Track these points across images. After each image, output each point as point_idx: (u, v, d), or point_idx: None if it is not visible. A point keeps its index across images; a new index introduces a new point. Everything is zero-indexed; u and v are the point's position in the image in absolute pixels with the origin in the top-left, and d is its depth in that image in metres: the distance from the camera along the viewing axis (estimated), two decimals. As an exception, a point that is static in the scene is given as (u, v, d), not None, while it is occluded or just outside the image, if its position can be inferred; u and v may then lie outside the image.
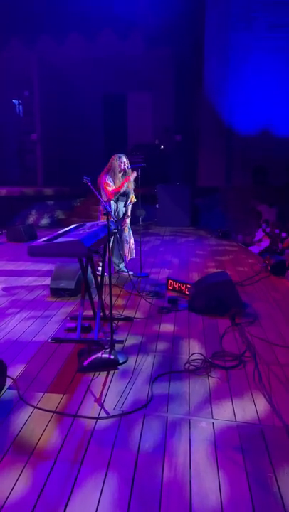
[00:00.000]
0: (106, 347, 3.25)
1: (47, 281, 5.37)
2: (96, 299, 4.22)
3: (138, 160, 11.21)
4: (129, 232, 5.65)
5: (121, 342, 3.62)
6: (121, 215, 5.49)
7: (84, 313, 4.12)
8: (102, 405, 2.71)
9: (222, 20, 10.43)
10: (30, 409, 2.67)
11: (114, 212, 5.42)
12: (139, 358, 3.36)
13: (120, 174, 5.39)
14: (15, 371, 3.14)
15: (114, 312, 4.27)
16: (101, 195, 5.31)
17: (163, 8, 11.36)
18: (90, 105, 12.96)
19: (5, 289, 5.22)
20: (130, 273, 5.37)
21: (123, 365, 3.22)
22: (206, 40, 10.55)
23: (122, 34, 11.67)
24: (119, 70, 12.30)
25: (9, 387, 2.92)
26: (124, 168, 5.38)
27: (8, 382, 2.97)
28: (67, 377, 3.06)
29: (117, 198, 5.43)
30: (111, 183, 5.34)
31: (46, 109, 12.83)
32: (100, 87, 12.87)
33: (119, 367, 3.18)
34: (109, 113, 13.68)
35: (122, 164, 5.38)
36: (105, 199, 5.30)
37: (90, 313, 4.14)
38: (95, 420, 2.55)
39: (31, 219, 11.06)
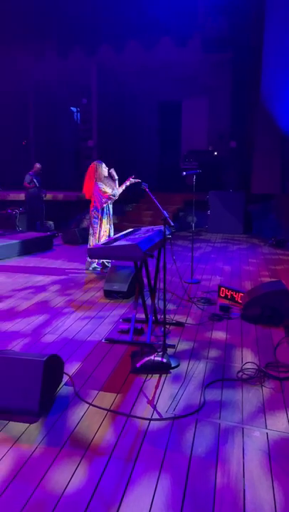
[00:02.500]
0: (158, 350, 3.29)
1: (100, 283, 5.51)
2: (148, 302, 4.28)
3: (191, 166, 11.23)
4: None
5: (173, 346, 3.65)
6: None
7: (136, 316, 4.20)
8: (154, 407, 2.74)
9: (282, 25, 10.24)
10: (86, 405, 2.76)
11: (108, 213, 6.18)
12: (191, 363, 3.37)
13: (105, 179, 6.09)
14: (71, 368, 3.25)
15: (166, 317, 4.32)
16: (94, 203, 6.07)
17: (221, 14, 11.36)
18: (146, 112, 13.16)
19: (61, 289, 5.42)
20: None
21: (175, 369, 3.25)
22: (264, 45, 10.40)
23: (180, 41, 11.76)
24: (176, 77, 12.41)
25: (66, 384, 3.03)
26: (108, 173, 6.09)
27: (65, 378, 3.09)
28: (121, 377, 3.13)
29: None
30: (105, 188, 6.00)
31: (103, 116, 13.17)
32: (156, 93, 13.04)
33: (171, 371, 3.21)
34: (164, 119, 13.82)
35: (106, 169, 6.06)
36: (103, 204, 6.04)
37: (142, 316, 4.21)
38: (148, 421, 2.59)
39: (85, 223, 11.35)
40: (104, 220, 6.14)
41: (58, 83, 13.00)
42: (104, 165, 6.13)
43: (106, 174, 6.10)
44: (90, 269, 6.27)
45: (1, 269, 6.53)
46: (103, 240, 5.95)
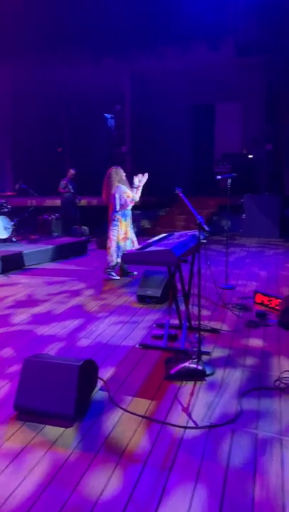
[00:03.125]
0: (193, 357, 3.25)
1: (134, 287, 5.52)
2: (183, 308, 4.23)
3: (225, 170, 11.10)
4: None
5: (208, 353, 3.59)
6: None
7: (170, 322, 4.17)
8: (189, 415, 2.70)
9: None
10: (120, 411, 2.75)
11: (129, 216, 6.16)
12: (227, 371, 3.31)
13: None
14: (105, 373, 3.26)
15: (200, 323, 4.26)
16: (114, 206, 6.03)
17: (255, 16, 11.20)
18: (179, 116, 13.14)
19: (95, 294, 5.46)
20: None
21: (210, 376, 3.19)
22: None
23: (213, 45, 11.69)
24: (209, 81, 12.33)
25: (100, 389, 3.04)
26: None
27: (99, 383, 3.10)
28: (155, 383, 3.11)
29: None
30: (128, 191, 5.99)
31: (136, 122, 13.26)
32: (189, 98, 12.99)
33: (206, 378, 3.16)
34: (197, 123, 13.76)
35: (124, 174, 6.11)
36: (126, 206, 6.01)
37: (176, 321, 4.17)
38: (184, 429, 2.55)
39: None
40: (124, 223, 6.11)
41: (91, 90, 13.20)
42: (122, 169, 6.20)
43: (124, 178, 6.11)
44: (110, 274, 6.16)
45: (38, 274, 6.66)
46: (122, 243, 6.03)
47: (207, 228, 3.10)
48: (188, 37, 11.51)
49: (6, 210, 8.14)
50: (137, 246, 5.79)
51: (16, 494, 2.04)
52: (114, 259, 6.02)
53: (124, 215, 6.10)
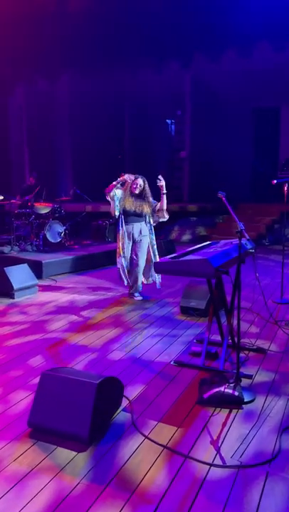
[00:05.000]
0: (231, 381, 2.89)
1: (179, 298, 5.21)
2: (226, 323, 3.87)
3: (287, 175, 10.43)
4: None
5: (249, 377, 3.20)
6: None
7: (212, 338, 3.83)
8: (218, 450, 2.36)
9: None
10: (141, 438, 2.48)
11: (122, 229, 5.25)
12: (269, 399, 2.90)
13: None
14: (133, 392, 3.00)
15: (245, 341, 3.88)
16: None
17: None
18: (240, 120, 12.63)
19: (138, 302, 5.23)
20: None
21: (249, 404, 2.81)
22: None
23: (279, 45, 11.11)
24: (273, 83, 11.73)
25: (124, 409, 2.79)
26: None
27: (124, 402, 2.85)
28: (185, 408, 2.79)
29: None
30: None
31: (196, 127, 12.95)
32: (252, 100, 12.46)
33: (243, 406, 2.79)
34: (260, 127, 13.15)
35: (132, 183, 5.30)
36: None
37: (219, 338, 3.81)
38: (209, 467, 2.22)
39: (173, 234, 11.17)
40: (120, 235, 5.24)
41: (152, 96, 13.12)
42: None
43: (132, 190, 5.19)
44: (135, 296, 5.37)
45: (84, 279, 6.58)
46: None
47: (247, 236, 2.74)
48: (251, 37, 11.03)
49: (58, 215, 8.20)
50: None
51: (10, 527, 1.84)
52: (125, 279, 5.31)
53: (118, 228, 5.29)
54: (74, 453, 2.34)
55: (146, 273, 5.38)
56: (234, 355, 3.57)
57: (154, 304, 5.19)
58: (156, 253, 5.36)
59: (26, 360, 3.55)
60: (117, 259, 5.30)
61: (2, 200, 7.69)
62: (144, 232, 5.29)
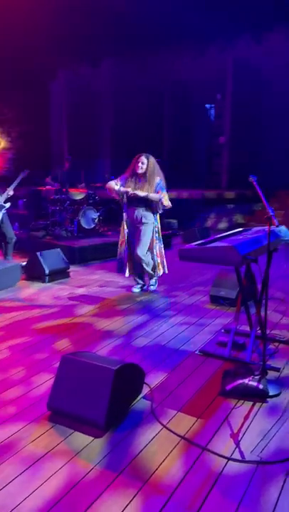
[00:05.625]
0: (256, 373, 2.78)
1: (209, 286, 5.09)
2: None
3: None
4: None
5: (277, 370, 3.07)
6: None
7: (241, 329, 3.71)
8: (238, 443, 2.28)
9: None
10: (159, 426, 2.43)
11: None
12: (296, 393, 2.77)
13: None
14: (154, 379, 2.95)
15: (276, 332, 3.73)
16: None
17: None
18: (283, 104, 12.12)
19: (167, 290, 5.16)
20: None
21: (274, 398, 2.70)
22: None
23: None
24: None
25: (144, 396, 2.74)
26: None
27: (146, 389, 2.80)
28: (207, 398, 2.72)
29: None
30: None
31: (237, 111, 12.56)
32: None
33: (268, 400, 2.67)
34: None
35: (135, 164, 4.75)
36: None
37: (248, 328, 3.68)
38: (226, 461, 2.14)
39: (209, 222, 10.96)
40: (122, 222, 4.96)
41: (193, 80, 12.83)
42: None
43: (135, 169, 4.69)
44: (136, 290, 5.07)
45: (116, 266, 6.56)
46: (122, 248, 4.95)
47: (277, 223, 2.59)
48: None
49: (92, 201, 8.21)
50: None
51: (21, 508, 1.85)
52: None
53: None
54: (90, 438, 2.33)
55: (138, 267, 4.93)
56: (263, 347, 3.43)
57: (185, 291, 5.10)
58: (159, 246, 4.89)
59: (52, 343, 3.58)
60: (119, 249, 4.98)
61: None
62: (145, 219, 4.74)
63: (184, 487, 1.97)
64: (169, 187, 10.21)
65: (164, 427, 2.42)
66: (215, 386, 2.85)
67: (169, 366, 3.16)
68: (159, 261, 4.91)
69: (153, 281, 5.09)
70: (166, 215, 9.85)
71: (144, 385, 2.82)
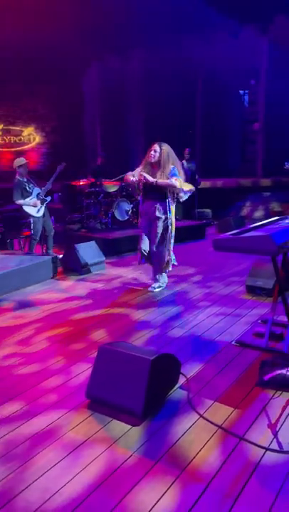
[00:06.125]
0: (294, 363, 2.74)
1: (245, 276, 5.03)
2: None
3: None
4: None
5: (316, 360, 3.01)
6: None
7: (279, 319, 3.65)
8: (275, 434, 2.26)
9: None
10: (195, 416, 2.44)
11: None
12: None
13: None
14: (190, 369, 2.96)
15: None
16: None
17: None
18: None
19: (202, 281, 5.14)
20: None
21: (313, 389, 2.65)
22: None
23: None
24: None
25: (181, 386, 2.76)
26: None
27: (181, 380, 2.82)
28: (244, 389, 2.70)
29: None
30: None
31: (272, 97, 12.22)
32: None
33: (307, 391, 2.63)
34: None
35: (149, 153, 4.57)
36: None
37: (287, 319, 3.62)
38: (264, 451, 2.13)
39: (245, 211, 10.79)
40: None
41: (226, 66, 12.55)
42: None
43: (148, 158, 4.56)
44: (155, 289, 4.79)
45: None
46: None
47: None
48: None
49: (126, 193, 8.25)
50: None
51: (63, 492, 1.92)
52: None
53: None
54: (128, 426, 2.37)
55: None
56: (301, 337, 3.37)
57: (220, 281, 5.06)
58: (168, 241, 4.68)
59: (89, 334, 3.66)
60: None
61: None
62: (159, 212, 4.55)
63: (222, 476, 1.98)
64: (203, 176, 10.12)
65: (201, 416, 2.44)
66: (252, 377, 2.83)
67: (205, 357, 3.17)
68: (168, 258, 4.69)
69: (157, 284, 4.79)
70: (199, 204, 9.81)
71: (181, 375, 2.84)
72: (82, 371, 3.01)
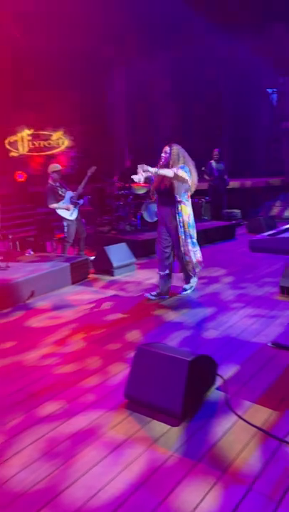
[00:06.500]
0: None
1: (279, 277, 4.97)
2: None
3: None
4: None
5: None
6: None
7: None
8: None
9: None
10: (234, 417, 2.44)
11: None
12: None
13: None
14: (226, 371, 2.95)
15: None
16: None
17: None
18: None
19: (234, 282, 5.11)
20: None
21: None
22: None
23: None
24: None
25: (218, 388, 2.76)
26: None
27: (218, 381, 2.82)
28: (282, 391, 2.68)
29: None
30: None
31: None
32: None
33: None
34: None
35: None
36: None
37: None
38: (306, 454, 2.11)
39: (275, 210, 10.64)
40: None
41: (252, 64, 12.43)
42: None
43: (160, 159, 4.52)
44: (185, 291, 4.72)
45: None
46: None
47: None
48: None
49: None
50: None
51: (107, 490, 1.96)
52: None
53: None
54: (167, 427, 2.39)
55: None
56: None
57: (253, 282, 5.02)
58: (185, 242, 4.47)
59: (123, 334, 3.70)
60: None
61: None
62: (173, 216, 4.43)
63: (265, 478, 1.98)
64: (232, 176, 10.04)
65: (240, 418, 2.43)
66: (290, 378, 2.81)
67: (240, 358, 3.15)
68: (188, 259, 4.55)
69: (188, 286, 4.72)
70: (228, 205, 9.74)
71: (217, 376, 2.84)
72: (119, 371, 3.05)
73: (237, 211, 9.89)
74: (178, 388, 2.45)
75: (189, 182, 4.39)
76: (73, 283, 5.39)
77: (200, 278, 5.13)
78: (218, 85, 13.41)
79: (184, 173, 4.32)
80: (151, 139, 13.31)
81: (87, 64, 11.78)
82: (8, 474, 2.08)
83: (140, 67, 12.74)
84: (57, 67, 11.44)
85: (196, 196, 9.82)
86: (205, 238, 7.49)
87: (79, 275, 5.52)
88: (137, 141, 13.12)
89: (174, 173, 4.24)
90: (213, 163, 9.44)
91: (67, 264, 5.44)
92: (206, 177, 9.55)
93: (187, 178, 4.33)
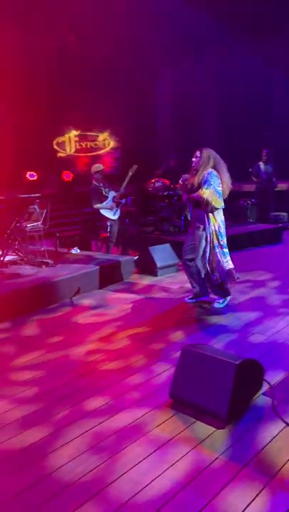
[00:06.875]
0: None
1: None
2: None
3: None
4: None
5: None
6: None
7: None
8: None
9: None
10: (281, 424, 2.39)
11: None
12: None
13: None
14: (273, 377, 2.90)
15: None
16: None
17: None
18: None
19: (281, 286, 5.00)
20: None
21: None
22: None
23: None
24: None
25: (264, 393, 2.72)
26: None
27: (265, 386, 2.77)
28: None
29: None
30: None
31: None
32: None
33: None
34: None
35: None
36: None
37: None
38: None
39: None
40: None
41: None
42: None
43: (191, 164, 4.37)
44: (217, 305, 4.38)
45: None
46: None
47: None
48: None
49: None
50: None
51: (153, 486, 1.98)
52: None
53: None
54: (212, 429, 2.38)
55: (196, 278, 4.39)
56: None
57: (299, 288, 4.89)
58: (214, 252, 4.21)
59: (167, 334, 3.71)
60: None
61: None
62: (198, 222, 4.24)
63: (314, 488, 1.93)
64: (279, 178, 9.79)
65: (288, 425, 2.38)
66: None
67: (287, 364, 3.08)
68: (217, 275, 4.26)
69: (221, 300, 4.39)
70: (275, 208, 9.52)
71: (264, 381, 2.79)
72: (164, 371, 3.06)
73: (284, 214, 9.66)
74: (224, 391, 2.43)
75: (219, 189, 4.19)
76: (117, 281, 5.46)
77: (243, 282, 5.06)
78: (267, 84, 13.12)
79: (211, 191, 4.10)
80: (196, 139, 13.24)
81: (135, 66, 11.89)
82: (57, 464, 2.15)
83: (186, 68, 12.71)
84: (105, 69, 11.63)
85: (241, 198, 9.71)
86: (252, 241, 7.38)
87: (123, 274, 5.59)
88: (182, 141, 13.08)
89: (197, 196, 4.13)
90: (261, 164, 9.27)
91: (111, 262, 5.52)
92: (254, 179, 9.39)
93: (210, 200, 4.09)
